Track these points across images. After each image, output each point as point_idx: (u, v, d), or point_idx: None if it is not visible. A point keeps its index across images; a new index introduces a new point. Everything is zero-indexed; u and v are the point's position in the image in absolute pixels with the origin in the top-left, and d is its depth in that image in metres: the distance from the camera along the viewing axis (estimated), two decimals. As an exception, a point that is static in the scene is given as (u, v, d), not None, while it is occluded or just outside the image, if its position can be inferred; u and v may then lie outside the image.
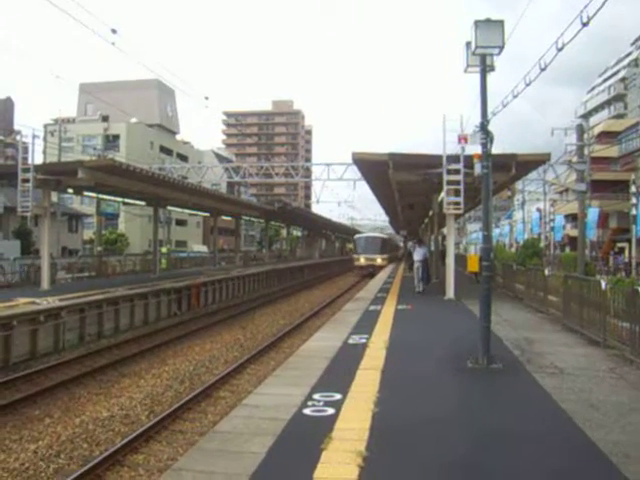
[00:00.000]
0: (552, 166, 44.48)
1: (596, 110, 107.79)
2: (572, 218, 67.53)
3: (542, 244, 63.62)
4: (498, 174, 23.72)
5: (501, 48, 13.05)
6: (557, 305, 20.94)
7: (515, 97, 15.12)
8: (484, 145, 13.37)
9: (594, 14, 10.43)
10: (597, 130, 79.81)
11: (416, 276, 31.48)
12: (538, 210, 72.04)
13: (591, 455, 7.64)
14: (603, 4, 10.09)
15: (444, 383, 11.62)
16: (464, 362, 12.94)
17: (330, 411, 9.35)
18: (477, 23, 12.80)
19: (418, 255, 31.78)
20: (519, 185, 59.63)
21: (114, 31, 14.44)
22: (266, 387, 11.21)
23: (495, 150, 13.94)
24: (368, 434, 8.23)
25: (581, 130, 41.78)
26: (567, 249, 70.11)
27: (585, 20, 10.70)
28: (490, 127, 13.48)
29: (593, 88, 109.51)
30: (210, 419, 14.82)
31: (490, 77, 13.62)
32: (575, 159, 41.77)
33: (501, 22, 12.88)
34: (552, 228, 66.48)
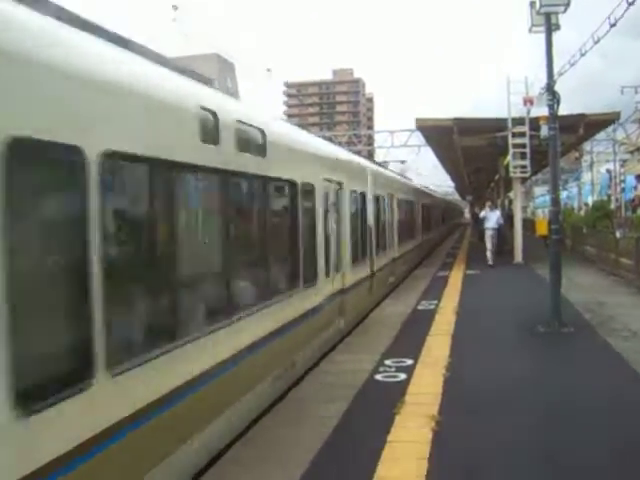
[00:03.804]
0: (622, 125, 43.17)
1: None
2: (644, 178, 65.44)
3: (612, 205, 61.94)
4: (565, 135, 23.10)
5: (567, 5, 12.73)
6: (630, 267, 20.51)
7: (583, 55, 14.78)
8: (551, 107, 13.12)
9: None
10: (669, 86, 76.79)
11: (488, 246, 26.84)
12: (608, 171, 70.13)
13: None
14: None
15: (515, 347, 11.59)
16: (535, 326, 12.86)
17: (402, 376, 9.45)
18: (542, -19, 12.51)
19: (490, 221, 27.30)
20: (587, 146, 58.15)
21: (175, 7, 14.69)
22: (337, 354, 11.37)
23: (563, 111, 13.65)
24: (440, 398, 8.30)
25: (652, 86, 40.33)
26: (639, 210, 68.08)
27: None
28: (557, 87, 13.20)
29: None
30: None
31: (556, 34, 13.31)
32: (646, 117, 40.45)
33: (566, -22, 12.56)
34: (622, 189, 64.62)
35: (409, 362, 10.21)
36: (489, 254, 26.63)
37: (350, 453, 6.64)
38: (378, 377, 9.52)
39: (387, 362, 10.29)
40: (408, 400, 8.26)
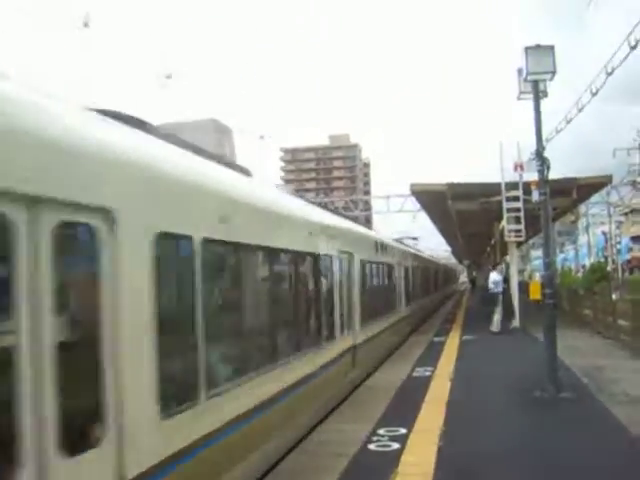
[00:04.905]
0: (615, 187, 43.58)
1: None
2: (640, 239, 65.84)
3: (609, 267, 62.05)
4: (559, 199, 23.36)
5: (553, 73, 12.98)
6: (627, 330, 20.39)
7: (568, 122, 15.06)
8: (540, 172, 13.27)
9: (643, 37, 10.38)
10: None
11: (496, 312, 25.46)
12: (603, 233, 70.53)
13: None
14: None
15: (511, 415, 11.41)
16: (531, 392, 12.71)
17: (395, 446, 9.29)
18: (527, 49, 12.77)
19: (496, 284, 26.08)
20: (582, 208, 58.53)
21: (169, 77, 15.14)
22: (330, 423, 11.19)
23: (558, 174, 13.83)
24: (434, 468, 8.15)
25: (644, 149, 40.81)
26: (636, 272, 68.18)
27: (633, 44, 10.62)
28: (552, 148, 13.39)
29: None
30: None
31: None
32: (640, 179, 40.84)
33: (551, 47, 12.83)
34: (618, 251, 64.86)
35: (403, 431, 10.05)
36: (495, 318, 25.41)
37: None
38: (371, 446, 9.36)
39: (380, 431, 10.13)
40: (401, 470, 8.11)
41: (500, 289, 25.92)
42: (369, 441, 9.60)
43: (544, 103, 13.49)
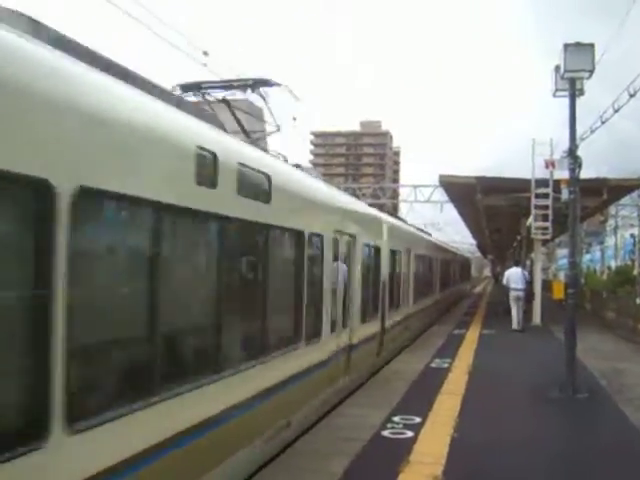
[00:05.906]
0: (647, 191, 43.03)
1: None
2: (669, 245, 64.95)
3: (635, 271, 61.44)
4: (588, 199, 23.13)
5: (591, 72, 12.83)
6: (650, 335, 20.27)
7: (604, 123, 14.89)
8: (572, 171, 13.18)
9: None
10: (697, 154, 76.34)
11: (515, 309, 24.60)
12: (632, 236, 69.74)
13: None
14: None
15: (526, 412, 11.44)
16: (548, 391, 12.70)
17: (409, 434, 9.36)
18: (566, 47, 12.63)
19: (517, 281, 24.99)
20: (612, 210, 57.95)
21: (206, 53, 15.07)
22: (346, 407, 11.27)
23: (592, 173, 13.76)
24: (445, 459, 8.21)
25: (678, 154, 40.21)
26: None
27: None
28: (588, 147, 13.30)
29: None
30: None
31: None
32: (672, 183, 40.23)
33: (591, 45, 12.68)
34: (645, 255, 64.12)
35: (417, 420, 10.11)
36: (514, 316, 24.62)
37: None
38: (385, 433, 9.44)
39: (395, 418, 10.20)
40: (413, 459, 8.18)
41: (517, 284, 24.89)
42: (384, 427, 9.68)
43: (580, 101, 13.36)
